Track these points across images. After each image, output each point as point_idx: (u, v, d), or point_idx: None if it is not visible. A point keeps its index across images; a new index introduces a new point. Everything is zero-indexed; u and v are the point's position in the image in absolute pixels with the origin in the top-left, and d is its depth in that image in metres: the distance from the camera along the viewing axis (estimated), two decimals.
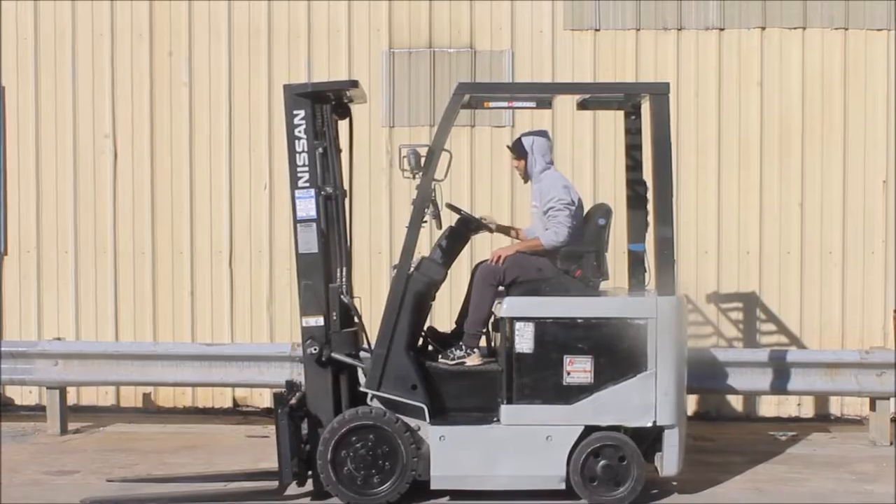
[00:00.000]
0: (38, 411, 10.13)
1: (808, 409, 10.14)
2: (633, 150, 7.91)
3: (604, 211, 7.65)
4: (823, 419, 10.09)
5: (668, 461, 7.23)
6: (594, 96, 8.11)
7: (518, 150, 7.63)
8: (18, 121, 10.54)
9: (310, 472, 7.27)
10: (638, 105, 7.83)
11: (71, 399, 10.04)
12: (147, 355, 9.59)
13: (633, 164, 7.92)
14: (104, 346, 9.92)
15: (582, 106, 8.23)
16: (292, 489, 7.29)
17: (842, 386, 9.28)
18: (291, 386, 7.54)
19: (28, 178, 10.52)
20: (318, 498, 7.23)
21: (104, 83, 10.44)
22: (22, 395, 10.55)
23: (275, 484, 7.21)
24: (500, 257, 7.42)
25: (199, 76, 10.36)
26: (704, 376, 9.14)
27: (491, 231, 7.97)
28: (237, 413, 10.42)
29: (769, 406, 10.15)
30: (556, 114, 9.76)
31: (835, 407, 10.14)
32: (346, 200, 7.54)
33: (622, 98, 7.93)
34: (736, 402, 10.17)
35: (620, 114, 8.12)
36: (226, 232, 10.34)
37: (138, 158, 10.42)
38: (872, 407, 9.26)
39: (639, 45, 10.14)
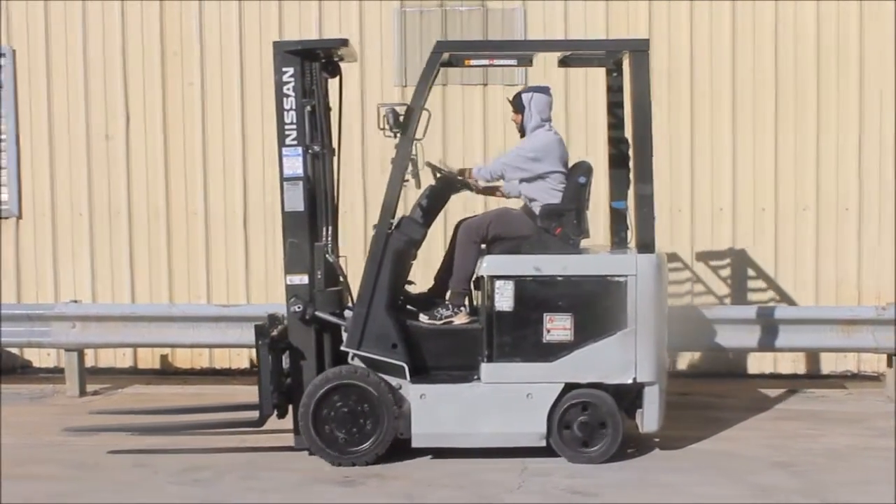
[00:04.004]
0: (56, 373, 10.20)
1: (825, 366, 10.13)
2: (614, 107, 7.91)
3: (584, 169, 7.63)
4: (840, 376, 10.10)
5: (649, 418, 7.27)
6: (575, 53, 8.07)
7: (517, 104, 7.65)
8: (30, 83, 10.53)
9: (290, 405, 7.36)
10: (619, 62, 7.81)
11: (89, 361, 10.10)
12: (163, 317, 9.63)
13: (615, 122, 7.91)
14: (121, 308, 9.96)
15: (563, 63, 8.17)
16: (272, 422, 7.36)
17: (858, 342, 9.28)
18: (273, 319, 7.57)
19: (41, 141, 10.53)
20: (298, 432, 7.28)
21: (115, 44, 10.41)
22: (40, 358, 10.62)
23: (255, 415, 7.28)
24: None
25: (210, 36, 10.33)
26: (721, 334, 9.21)
27: (472, 190, 7.98)
28: (254, 374, 10.42)
29: (785, 363, 10.14)
30: (570, 71, 9.70)
31: (852, 364, 10.13)
32: (335, 159, 7.54)
33: (603, 55, 7.90)
34: (751, 359, 10.17)
35: None
36: (240, 192, 10.33)
37: (150, 120, 10.41)
38: (889, 363, 9.27)
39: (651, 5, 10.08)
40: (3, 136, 10.54)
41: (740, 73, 10.06)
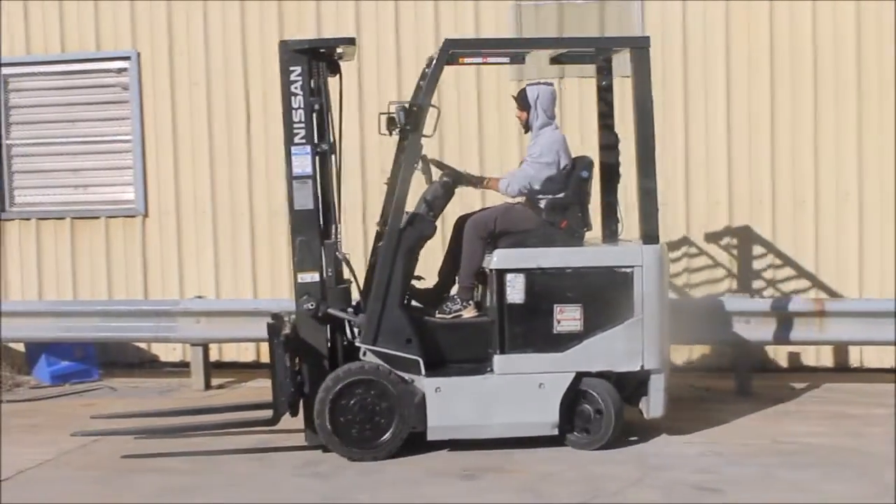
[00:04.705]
0: (182, 368, 10.45)
1: None
2: (604, 103, 8.03)
3: (586, 163, 7.78)
4: None
5: (655, 404, 7.46)
6: (568, 51, 8.21)
7: (522, 101, 7.79)
8: (154, 85, 10.79)
9: (300, 403, 7.40)
10: (609, 59, 7.95)
11: (213, 355, 10.30)
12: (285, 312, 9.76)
13: (606, 118, 8.05)
14: (243, 303, 10.18)
15: (555, 60, 8.35)
16: (285, 419, 7.41)
17: None
18: (277, 317, 7.60)
19: (165, 141, 10.79)
20: (313, 429, 7.32)
21: (235, 46, 10.60)
22: (166, 353, 10.87)
23: (269, 414, 7.34)
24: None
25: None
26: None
27: (475, 186, 8.04)
28: None
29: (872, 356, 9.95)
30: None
31: None
32: (336, 157, 7.60)
33: (594, 53, 8.02)
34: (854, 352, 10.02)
35: None
36: (359, 189, 10.40)
37: (271, 120, 10.53)
38: None
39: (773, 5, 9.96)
40: (130, 137, 10.82)
41: (866, 70, 9.86)
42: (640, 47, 7.50)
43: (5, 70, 10.96)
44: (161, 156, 10.79)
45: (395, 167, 7.88)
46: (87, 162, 10.94)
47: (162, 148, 10.79)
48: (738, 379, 9.26)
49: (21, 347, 10.68)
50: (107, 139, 10.90)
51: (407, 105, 7.31)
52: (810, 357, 10.01)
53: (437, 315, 7.57)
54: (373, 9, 10.40)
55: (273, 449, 7.56)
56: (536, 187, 7.61)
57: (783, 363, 10.05)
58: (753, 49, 9.95)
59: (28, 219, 10.98)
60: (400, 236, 7.37)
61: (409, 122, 7.25)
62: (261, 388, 9.66)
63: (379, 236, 7.94)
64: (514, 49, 8.01)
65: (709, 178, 10.07)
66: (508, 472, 6.95)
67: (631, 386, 7.49)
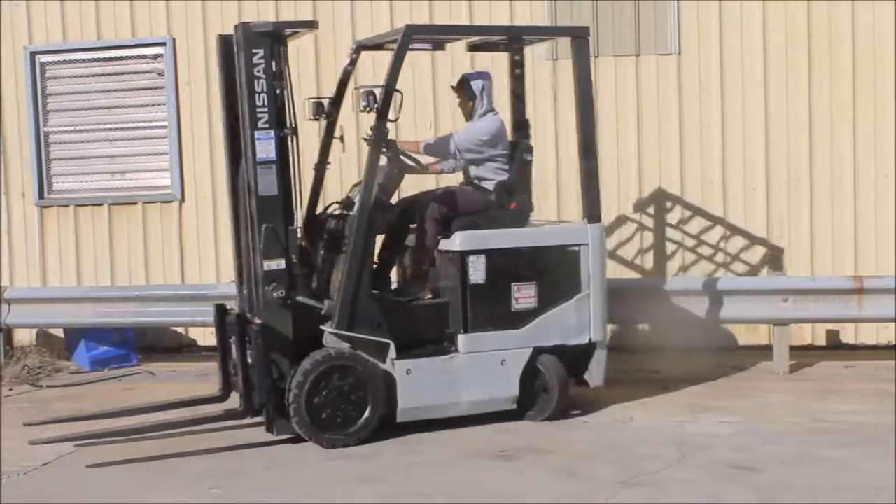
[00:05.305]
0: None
1: None
2: (517, 88, 8.39)
3: (526, 147, 8.08)
4: None
5: (597, 374, 7.92)
6: (484, 40, 8.50)
7: (468, 91, 7.96)
8: (189, 70, 10.84)
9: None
10: (521, 48, 8.29)
11: None
12: None
13: (518, 103, 8.38)
14: None
15: (473, 48, 8.63)
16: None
17: None
18: (222, 307, 7.63)
19: (201, 126, 10.84)
20: (286, 418, 7.26)
21: None
22: (204, 337, 10.94)
23: (236, 406, 7.32)
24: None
25: (361, 26, 10.46)
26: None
27: (425, 171, 8.24)
28: None
29: None
30: None
31: None
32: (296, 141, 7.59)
33: (506, 41, 8.28)
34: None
35: None
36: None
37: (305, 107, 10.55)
38: None
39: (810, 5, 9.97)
40: (165, 123, 10.89)
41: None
42: (580, 36, 7.85)
43: (42, 58, 11.05)
44: (197, 141, 10.85)
45: (323, 152, 8.12)
46: (124, 148, 11.04)
47: (198, 133, 10.84)
48: (776, 357, 9.21)
49: (61, 333, 10.79)
50: (143, 125, 10.98)
51: (374, 89, 7.29)
52: (849, 335, 9.96)
53: (396, 298, 7.68)
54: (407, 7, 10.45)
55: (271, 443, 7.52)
56: (467, 155, 7.82)
57: (821, 341, 9.99)
58: (790, 47, 10.02)
59: (66, 205, 11.08)
60: (370, 221, 7.40)
61: (374, 104, 7.24)
62: None
63: (311, 223, 7.93)
64: (469, 35, 8.35)
65: (746, 164, 10.11)
66: (548, 452, 6.99)
67: (570, 359, 7.78)
